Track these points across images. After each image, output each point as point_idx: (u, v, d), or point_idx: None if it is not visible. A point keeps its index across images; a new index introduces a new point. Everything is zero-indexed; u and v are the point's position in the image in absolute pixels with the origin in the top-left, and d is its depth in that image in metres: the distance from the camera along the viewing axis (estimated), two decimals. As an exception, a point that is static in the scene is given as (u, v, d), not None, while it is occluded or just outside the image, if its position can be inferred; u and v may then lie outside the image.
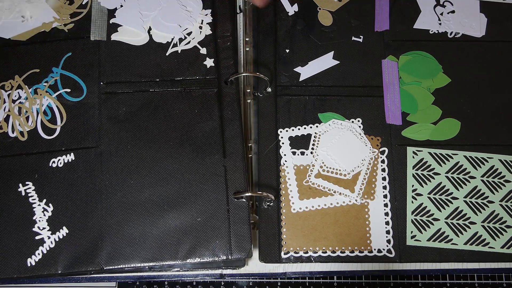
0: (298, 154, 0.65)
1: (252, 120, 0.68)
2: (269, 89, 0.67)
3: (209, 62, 0.66)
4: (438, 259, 0.62)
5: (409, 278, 0.65)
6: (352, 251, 0.62)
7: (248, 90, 0.68)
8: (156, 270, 0.63)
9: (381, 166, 0.64)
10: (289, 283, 0.65)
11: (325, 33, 0.68)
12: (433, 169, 0.64)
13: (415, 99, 0.66)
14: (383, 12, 0.69)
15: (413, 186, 0.64)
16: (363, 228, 0.62)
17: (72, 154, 0.64)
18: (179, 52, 0.67)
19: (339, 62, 0.67)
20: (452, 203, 0.63)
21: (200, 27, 0.68)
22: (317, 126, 0.65)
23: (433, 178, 0.64)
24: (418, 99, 0.66)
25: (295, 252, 0.62)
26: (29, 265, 0.61)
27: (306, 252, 0.62)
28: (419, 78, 0.67)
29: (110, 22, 0.68)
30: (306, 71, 0.67)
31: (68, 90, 0.66)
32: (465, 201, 0.63)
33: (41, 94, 0.66)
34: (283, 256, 0.62)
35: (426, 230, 0.62)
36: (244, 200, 0.62)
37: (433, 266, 0.63)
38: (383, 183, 0.64)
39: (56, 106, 0.66)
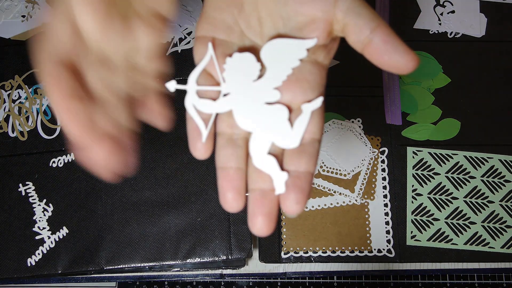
0: (298, 154, 0.65)
1: (252, 120, 0.68)
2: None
3: (209, 62, 0.66)
4: (438, 259, 0.62)
5: (409, 278, 0.65)
6: (352, 251, 0.62)
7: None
8: (156, 270, 0.63)
9: (381, 166, 0.64)
10: (289, 283, 0.65)
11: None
12: (433, 169, 0.64)
13: (415, 99, 0.66)
14: (384, 12, 0.69)
15: (413, 186, 0.64)
16: (363, 228, 0.62)
17: (72, 154, 0.64)
18: (179, 52, 0.67)
19: (339, 62, 0.67)
20: (452, 203, 0.63)
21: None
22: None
23: (433, 178, 0.64)
24: (418, 99, 0.66)
25: (295, 252, 0.62)
26: (29, 265, 0.61)
27: (306, 252, 0.62)
28: (419, 78, 0.67)
29: (110, 22, 0.68)
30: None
31: (68, 90, 0.66)
32: (465, 201, 0.63)
33: (41, 94, 0.66)
34: (283, 256, 0.62)
35: (426, 230, 0.62)
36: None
37: (433, 266, 0.63)
38: (383, 183, 0.64)
39: (56, 106, 0.66)
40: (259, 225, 0.33)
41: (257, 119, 0.35)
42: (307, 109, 0.34)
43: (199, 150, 0.35)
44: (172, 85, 0.36)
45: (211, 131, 0.35)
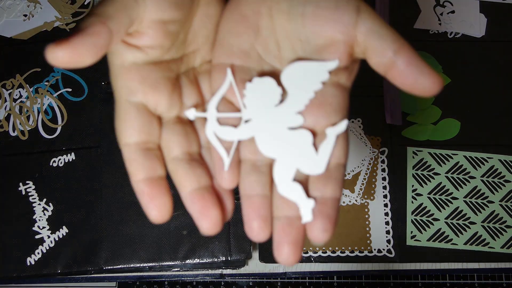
0: (298, 154, 0.65)
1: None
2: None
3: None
4: (438, 259, 0.62)
5: (409, 278, 0.65)
6: (352, 251, 0.62)
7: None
8: (156, 270, 0.63)
9: (381, 166, 0.64)
10: (289, 283, 0.65)
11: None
12: (433, 169, 0.64)
13: (415, 99, 0.66)
14: (384, 12, 0.69)
15: (413, 186, 0.64)
16: (363, 228, 0.62)
17: (72, 153, 0.64)
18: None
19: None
20: (452, 203, 0.63)
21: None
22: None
23: (433, 178, 0.64)
24: (418, 99, 0.66)
25: (314, 252, 0.62)
26: (28, 264, 0.61)
27: (306, 252, 0.62)
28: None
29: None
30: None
31: (69, 89, 0.66)
32: (465, 201, 0.63)
33: (42, 93, 0.66)
34: (283, 255, 0.62)
35: (426, 230, 0.62)
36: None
37: (433, 266, 0.63)
38: (383, 183, 0.64)
39: (57, 105, 0.66)
40: (286, 254, 0.32)
41: (280, 145, 0.33)
42: (332, 134, 0.33)
43: (224, 179, 0.34)
44: (191, 113, 0.35)
45: (235, 158, 0.34)
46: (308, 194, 0.33)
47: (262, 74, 0.35)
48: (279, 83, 0.34)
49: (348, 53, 0.33)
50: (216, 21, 0.37)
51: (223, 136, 0.34)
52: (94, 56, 0.29)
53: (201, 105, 0.36)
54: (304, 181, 0.34)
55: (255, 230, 0.33)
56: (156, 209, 0.33)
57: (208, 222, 0.33)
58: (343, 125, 0.33)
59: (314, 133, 0.34)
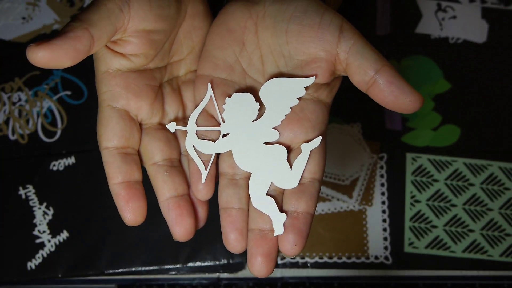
0: (296, 159, 0.64)
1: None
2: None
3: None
4: (435, 266, 0.62)
5: (409, 279, 0.65)
6: (349, 258, 0.62)
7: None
8: (153, 273, 0.63)
9: (380, 172, 0.64)
10: (289, 283, 0.65)
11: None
12: (432, 175, 0.64)
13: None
14: (385, 16, 0.68)
15: (411, 192, 0.63)
16: (360, 235, 0.62)
17: (72, 157, 0.64)
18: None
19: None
20: (451, 210, 0.63)
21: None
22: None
23: (432, 184, 0.63)
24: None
25: (292, 258, 0.62)
26: (29, 268, 0.61)
27: (303, 258, 0.62)
28: (419, 84, 0.66)
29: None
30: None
31: (69, 92, 0.66)
32: (464, 209, 0.63)
33: (41, 97, 0.66)
34: (279, 261, 0.62)
35: (424, 237, 0.62)
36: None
37: (430, 273, 0.63)
38: (381, 189, 0.63)
39: (57, 108, 0.66)
40: (259, 266, 0.33)
41: (256, 159, 0.35)
42: (306, 149, 0.34)
43: (200, 191, 0.35)
44: (172, 126, 0.36)
45: (212, 172, 0.36)
46: (282, 208, 0.34)
47: (244, 88, 0.36)
48: (259, 98, 0.35)
49: (329, 70, 0.34)
50: (203, 33, 0.38)
51: (202, 150, 0.35)
52: (73, 59, 0.31)
53: (182, 114, 0.38)
54: (279, 195, 0.35)
55: (232, 242, 0.35)
56: (131, 212, 0.35)
57: (182, 230, 0.36)
58: (317, 141, 0.34)
59: (290, 148, 0.35)
